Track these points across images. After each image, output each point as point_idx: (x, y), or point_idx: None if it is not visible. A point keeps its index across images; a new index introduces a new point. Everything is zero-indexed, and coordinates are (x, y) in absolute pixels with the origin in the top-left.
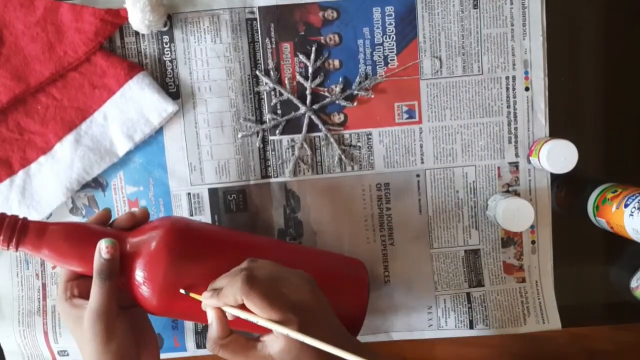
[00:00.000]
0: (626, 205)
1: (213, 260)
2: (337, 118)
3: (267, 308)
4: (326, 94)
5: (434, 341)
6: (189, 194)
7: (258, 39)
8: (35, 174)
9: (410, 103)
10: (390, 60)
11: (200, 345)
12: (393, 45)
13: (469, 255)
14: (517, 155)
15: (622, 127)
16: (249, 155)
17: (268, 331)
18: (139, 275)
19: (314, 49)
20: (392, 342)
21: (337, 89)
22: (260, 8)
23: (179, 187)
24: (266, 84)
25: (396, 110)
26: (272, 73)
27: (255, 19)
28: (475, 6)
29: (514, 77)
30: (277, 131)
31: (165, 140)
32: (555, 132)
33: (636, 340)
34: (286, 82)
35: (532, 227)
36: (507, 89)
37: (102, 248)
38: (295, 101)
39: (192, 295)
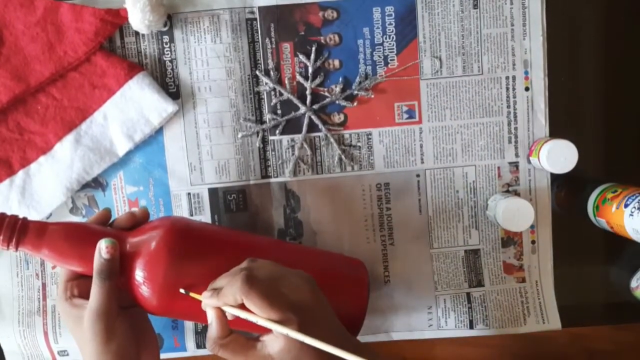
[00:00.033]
0: (626, 205)
1: (213, 260)
2: (337, 118)
3: (267, 308)
4: (326, 94)
5: (434, 341)
6: (189, 193)
7: (258, 39)
8: (35, 173)
9: (410, 103)
10: (390, 60)
11: (200, 345)
12: (393, 45)
13: (469, 255)
14: (517, 155)
15: (622, 127)
16: (249, 155)
17: (268, 331)
18: (139, 275)
19: (314, 49)
20: (392, 342)
21: (337, 89)
22: (260, 8)
23: (179, 187)
24: (266, 84)
25: (396, 110)
26: (272, 73)
27: (255, 19)
28: (475, 6)
29: (514, 77)
30: (277, 131)
31: (165, 140)
32: (555, 132)
33: (636, 340)
34: (286, 82)
35: (532, 227)
36: (507, 89)
37: (102, 248)
38: (295, 101)
39: (192, 295)
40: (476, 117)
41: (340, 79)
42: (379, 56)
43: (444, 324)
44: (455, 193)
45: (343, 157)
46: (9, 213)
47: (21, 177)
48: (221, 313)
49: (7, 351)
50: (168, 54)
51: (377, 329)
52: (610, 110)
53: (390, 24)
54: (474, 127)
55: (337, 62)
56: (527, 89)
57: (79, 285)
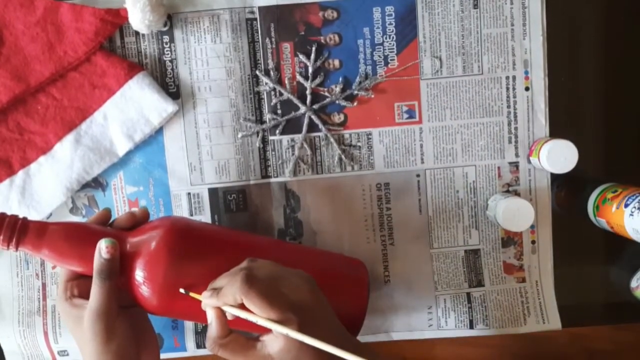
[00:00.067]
0: (626, 205)
1: (213, 260)
2: (337, 118)
3: (267, 307)
4: (326, 94)
5: (434, 341)
6: (189, 193)
7: (258, 38)
8: (35, 173)
9: (411, 103)
10: (391, 60)
11: (200, 345)
12: (393, 45)
13: (469, 255)
14: (517, 155)
15: (622, 127)
16: (249, 155)
17: (268, 331)
18: (139, 275)
19: (314, 48)
20: (392, 342)
21: (337, 89)
22: (260, 8)
23: (179, 187)
24: (266, 83)
25: (396, 110)
26: (272, 73)
27: (255, 19)
28: (476, 6)
29: (514, 77)
30: (277, 131)
31: (165, 140)
32: (556, 132)
33: (636, 340)
34: (286, 82)
35: (532, 227)
36: (507, 88)
37: (102, 248)
38: (295, 101)
39: (192, 294)
40: (476, 117)
41: (340, 79)
42: (379, 56)
43: (444, 324)
44: (455, 193)
45: (343, 157)
46: (9, 213)
47: (21, 177)
48: (221, 313)
49: (7, 351)
50: (168, 54)
51: (377, 329)
52: (610, 110)
53: (390, 23)
54: (474, 127)
55: (337, 62)
56: (527, 88)
57: (79, 285)
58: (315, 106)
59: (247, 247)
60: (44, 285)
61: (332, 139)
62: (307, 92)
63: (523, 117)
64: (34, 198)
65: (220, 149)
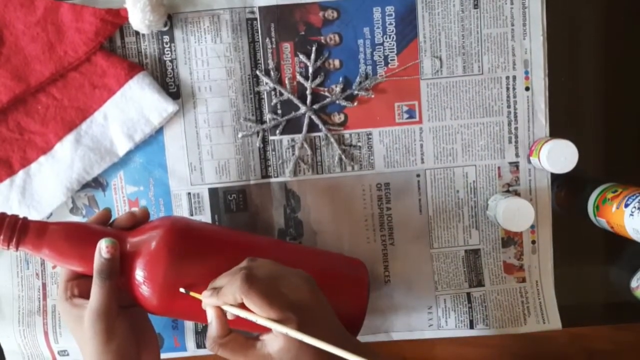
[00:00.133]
0: (626, 205)
1: (213, 259)
2: (338, 118)
3: (266, 307)
4: (326, 94)
5: (434, 341)
6: (189, 193)
7: (258, 38)
8: (36, 173)
9: (411, 103)
10: (391, 60)
11: (200, 345)
12: (393, 45)
13: (469, 255)
14: (517, 155)
15: (622, 127)
16: (249, 155)
17: (267, 330)
18: (139, 274)
19: (314, 48)
20: (392, 342)
21: (338, 89)
22: (260, 8)
23: (179, 186)
24: (266, 83)
25: (396, 110)
26: (272, 73)
27: (256, 19)
28: (476, 6)
29: (514, 77)
30: (278, 131)
31: (165, 140)
32: (556, 132)
33: (636, 340)
34: (286, 82)
35: (532, 227)
36: (508, 88)
37: (103, 248)
38: (296, 101)
39: (192, 294)
40: (476, 117)
41: (341, 79)
42: (379, 56)
43: (444, 323)
44: (455, 193)
45: (343, 157)
46: (9, 213)
47: (21, 177)
48: (221, 312)
49: (7, 351)
50: (168, 54)
51: (377, 329)
52: (610, 110)
53: (390, 23)
54: (474, 127)
55: (337, 62)
56: (527, 88)
57: (79, 285)
58: (316, 106)
59: (247, 247)
60: (44, 285)
61: (332, 139)
62: (308, 92)
63: (523, 117)
64: (34, 198)
65: (221, 149)
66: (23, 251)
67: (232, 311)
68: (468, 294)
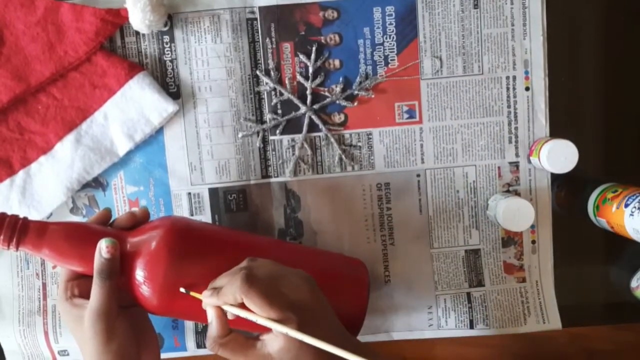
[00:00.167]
0: (626, 205)
1: (213, 259)
2: (338, 118)
3: (267, 307)
4: (326, 93)
5: (434, 341)
6: (190, 193)
7: (258, 38)
8: (36, 173)
9: (411, 103)
10: (391, 60)
11: (200, 345)
12: (393, 45)
13: (470, 255)
14: (517, 155)
15: (622, 127)
16: (250, 155)
17: (268, 330)
18: (139, 274)
19: (314, 48)
20: (392, 342)
21: (338, 88)
22: (260, 8)
23: (180, 186)
24: (266, 83)
25: (396, 110)
26: (272, 73)
27: (256, 19)
28: (476, 6)
29: (514, 77)
30: (278, 131)
31: (165, 140)
32: (556, 132)
33: (636, 340)
34: (286, 82)
35: (532, 227)
36: (508, 88)
37: (103, 247)
38: (296, 101)
39: (192, 294)
40: (476, 117)
41: (341, 79)
42: (379, 56)
43: (444, 323)
44: (455, 193)
45: (343, 157)
46: (9, 213)
47: (22, 177)
48: (221, 312)
49: (8, 351)
50: (168, 54)
51: (377, 329)
52: (610, 110)
53: (390, 23)
54: (475, 127)
55: (337, 62)
56: (527, 88)
57: (80, 285)
58: (316, 106)
59: (247, 247)
60: (44, 284)
61: (332, 139)
62: (308, 92)
63: (523, 117)
64: (35, 198)
65: (221, 149)
66: (23, 251)
67: (232, 311)
68: (468, 294)
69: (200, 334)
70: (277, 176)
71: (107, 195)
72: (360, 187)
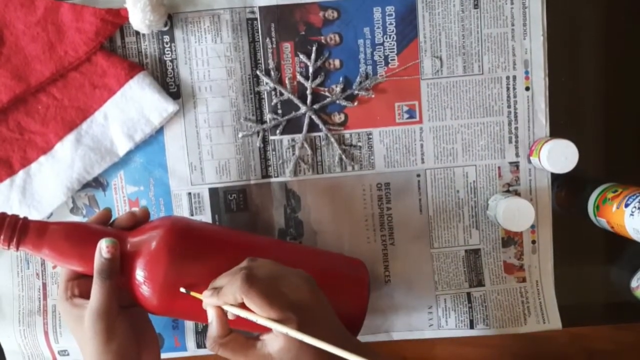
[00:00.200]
0: (627, 205)
1: (213, 259)
2: (338, 118)
3: (267, 307)
4: (327, 93)
5: (434, 341)
6: (190, 193)
7: (258, 38)
8: (36, 173)
9: (411, 103)
10: (391, 60)
11: (200, 345)
12: (393, 45)
13: (470, 255)
14: (517, 155)
15: (622, 127)
16: (250, 155)
17: (268, 330)
18: (140, 274)
19: (314, 48)
20: (392, 341)
21: (338, 88)
22: (260, 8)
23: (180, 186)
24: (267, 83)
25: (397, 110)
26: (272, 73)
27: (256, 19)
28: (476, 6)
29: (514, 77)
30: (278, 131)
31: (165, 139)
32: (556, 131)
33: (636, 340)
34: (287, 81)
35: (532, 226)
36: (508, 88)
37: (103, 247)
38: (296, 101)
39: (192, 294)
40: (477, 116)
41: (341, 79)
42: (379, 56)
43: (444, 323)
44: (455, 193)
45: (343, 157)
46: (9, 213)
47: (22, 176)
48: (221, 312)
49: (8, 351)
50: (168, 54)
51: (377, 329)
52: (610, 110)
53: (390, 23)
54: (475, 126)
55: (337, 62)
56: (527, 88)
57: (80, 285)
58: (316, 106)
59: (248, 247)
60: (44, 284)
61: (332, 139)
62: (308, 92)
63: (523, 117)
64: (35, 198)
65: (221, 149)
66: (23, 251)
67: (233, 311)
68: (468, 294)
69: (201, 334)
70: (277, 176)
71: (107, 195)
72: (361, 187)
